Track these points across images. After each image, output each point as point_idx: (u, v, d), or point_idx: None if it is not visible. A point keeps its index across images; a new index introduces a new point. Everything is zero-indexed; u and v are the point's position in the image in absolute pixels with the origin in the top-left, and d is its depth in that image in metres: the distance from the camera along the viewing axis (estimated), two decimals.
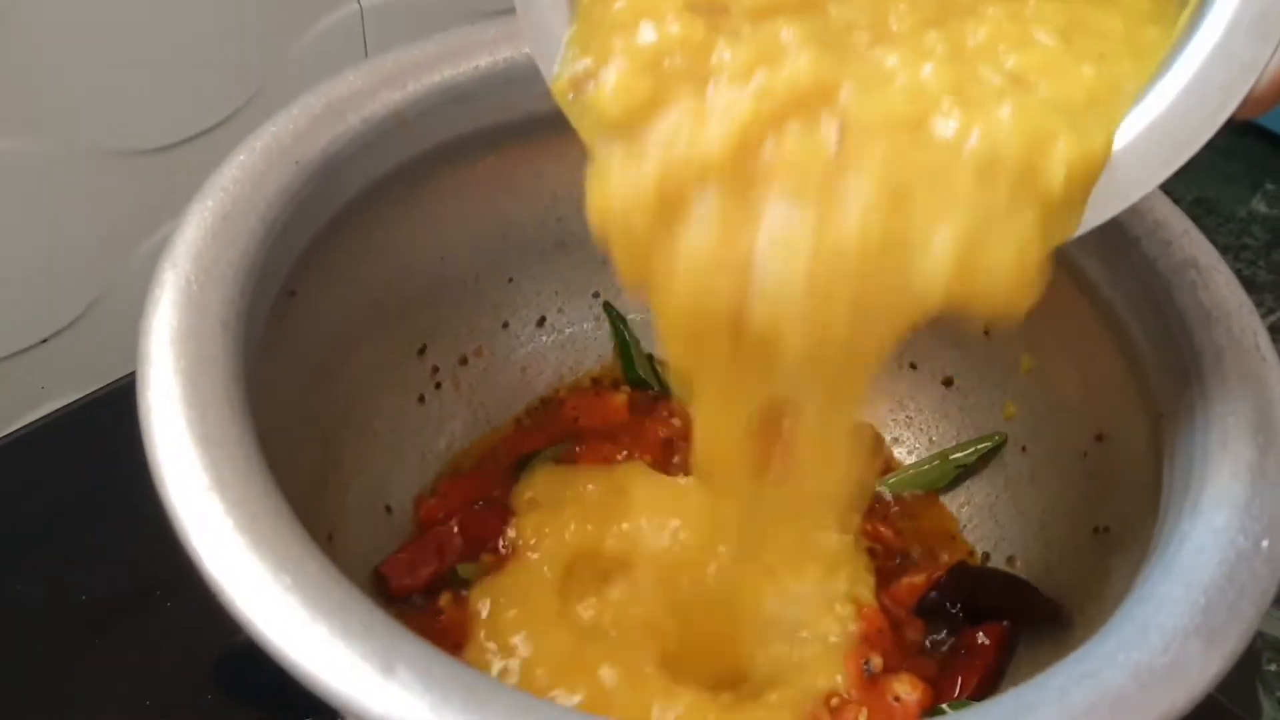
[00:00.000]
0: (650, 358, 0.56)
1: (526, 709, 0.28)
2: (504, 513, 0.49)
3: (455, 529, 0.47)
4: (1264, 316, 1.18)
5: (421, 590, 0.47)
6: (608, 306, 0.55)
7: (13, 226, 0.71)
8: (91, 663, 0.52)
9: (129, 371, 0.54)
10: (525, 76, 0.47)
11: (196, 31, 0.73)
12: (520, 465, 0.51)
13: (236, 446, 0.32)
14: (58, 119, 0.69)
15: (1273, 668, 0.95)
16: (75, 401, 0.63)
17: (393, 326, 0.50)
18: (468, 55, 0.46)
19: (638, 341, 0.56)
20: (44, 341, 0.76)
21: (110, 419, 0.59)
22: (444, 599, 0.46)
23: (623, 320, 0.55)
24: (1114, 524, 0.44)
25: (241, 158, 0.40)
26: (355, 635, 0.29)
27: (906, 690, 0.43)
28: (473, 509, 0.48)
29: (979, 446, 0.51)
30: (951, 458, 0.51)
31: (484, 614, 0.45)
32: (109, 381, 0.64)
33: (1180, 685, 0.30)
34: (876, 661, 0.44)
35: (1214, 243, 0.42)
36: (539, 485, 0.50)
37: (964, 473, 0.51)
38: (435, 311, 0.51)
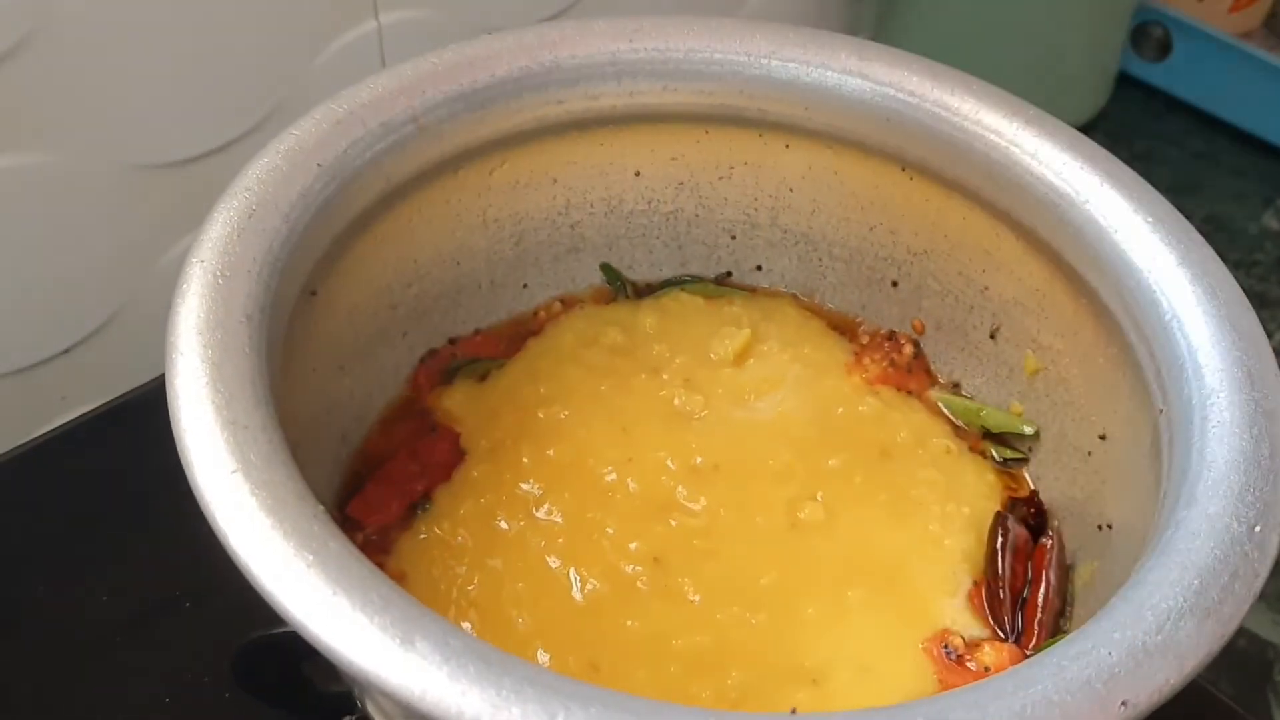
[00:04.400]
0: None
1: (541, 680, 0.29)
2: (452, 436, 0.49)
3: (409, 458, 0.48)
4: (1275, 331, 1.19)
5: (394, 525, 0.46)
6: (606, 268, 0.56)
7: (37, 238, 0.72)
8: (113, 664, 0.53)
9: (149, 379, 0.55)
10: (539, 84, 0.48)
11: (218, 48, 0.74)
12: (447, 375, 0.52)
13: (261, 431, 0.34)
14: (81, 134, 0.70)
15: None
16: (95, 409, 0.64)
17: (410, 329, 0.51)
18: (484, 64, 0.47)
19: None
20: (66, 351, 0.77)
21: (130, 427, 0.60)
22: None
23: (621, 278, 0.56)
24: (1116, 522, 0.45)
25: (265, 160, 0.42)
26: (375, 609, 0.30)
27: (992, 658, 0.43)
28: (421, 438, 0.49)
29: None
30: (981, 413, 0.52)
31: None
32: (129, 389, 0.65)
33: (1173, 663, 0.31)
34: (957, 642, 0.44)
35: (1226, 259, 0.43)
36: (456, 397, 0.51)
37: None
38: (452, 315, 0.52)
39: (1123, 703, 0.30)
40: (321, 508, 0.33)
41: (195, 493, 0.32)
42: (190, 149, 0.76)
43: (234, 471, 0.32)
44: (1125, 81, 1.51)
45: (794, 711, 0.35)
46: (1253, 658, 0.93)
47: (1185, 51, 1.47)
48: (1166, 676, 0.31)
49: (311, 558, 0.31)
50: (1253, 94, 1.43)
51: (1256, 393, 0.38)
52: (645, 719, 0.28)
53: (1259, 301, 1.13)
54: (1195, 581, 0.33)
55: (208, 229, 0.39)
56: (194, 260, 0.38)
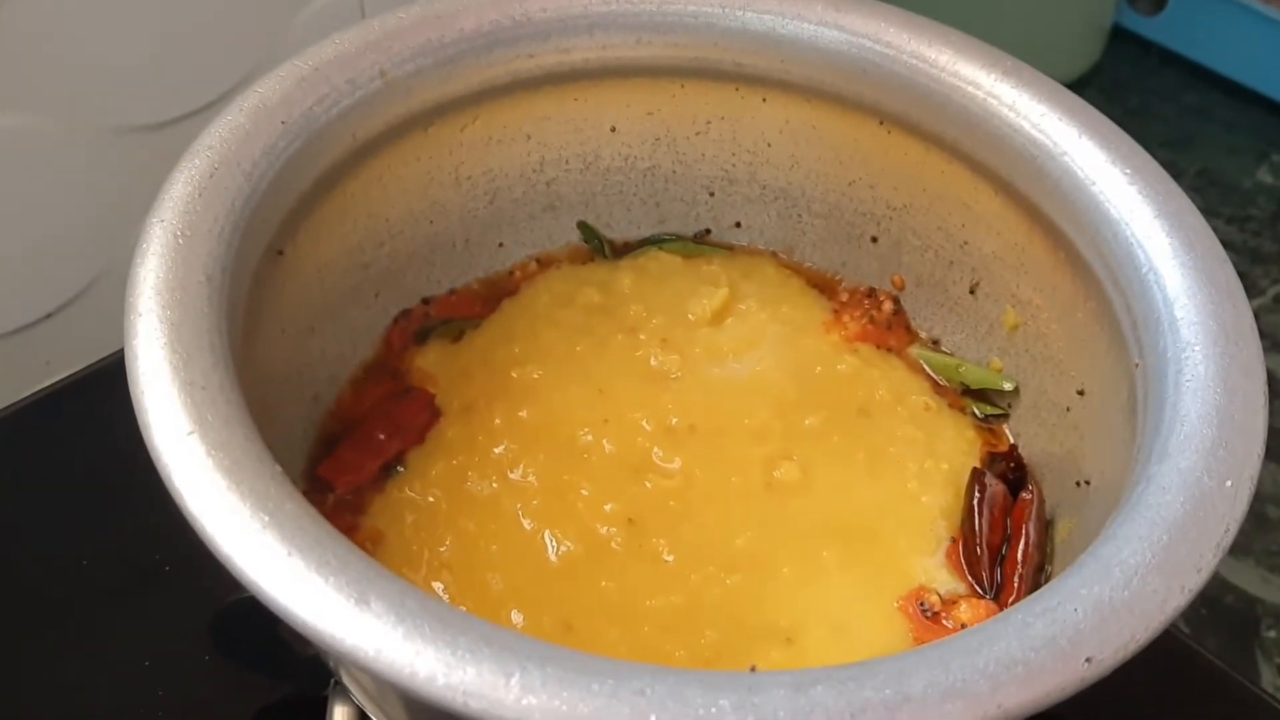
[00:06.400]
0: None
1: (497, 639, 0.28)
2: (426, 397, 0.48)
3: (383, 420, 0.47)
4: (1269, 287, 1.18)
5: (367, 487, 0.46)
6: (583, 226, 0.55)
7: (16, 203, 0.72)
8: (94, 628, 0.53)
9: None
10: (510, 39, 0.48)
11: (196, 8, 0.74)
12: (420, 335, 0.51)
13: (219, 392, 0.33)
14: (60, 96, 0.70)
15: (1272, 634, 0.95)
16: (79, 372, 0.64)
17: (383, 289, 0.50)
18: (452, 18, 0.46)
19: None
20: (48, 316, 0.77)
21: (114, 391, 0.60)
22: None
23: (598, 236, 0.56)
24: (1094, 478, 0.45)
25: (229, 117, 0.41)
26: (330, 569, 0.29)
27: (969, 614, 0.43)
28: (395, 400, 0.48)
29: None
30: (961, 369, 0.52)
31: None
32: (112, 353, 0.65)
33: (1139, 619, 0.31)
34: (933, 599, 0.44)
35: (1219, 214, 0.43)
36: (430, 358, 0.50)
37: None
38: (426, 275, 0.52)
39: (1087, 659, 0.30)
40: (279, 469, 0.32)
41: (152, 454, 0.32)
42: (169, 111, 0.76)
43: (190, 433, 0.32)
44: (1119, 36, 1.50)
45: (753, 669, 0.35)
46: (1241, 614, 0.93)
47: (1181, 5, 1.46)
48: (1132, 633, 0.30)
49: (267, 519, 0.30)
50: (1248, 48, 1.41)
51: (1232, 346, 0.37)
52: (600, 677, 0.28)
53: (1253, 257, 1.12)
54: (1164, 537, 0.32)
55: (168, 188, 0.39)
56: (154, 220, 0.38)
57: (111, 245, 0.77)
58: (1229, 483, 0.34)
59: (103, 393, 0.62)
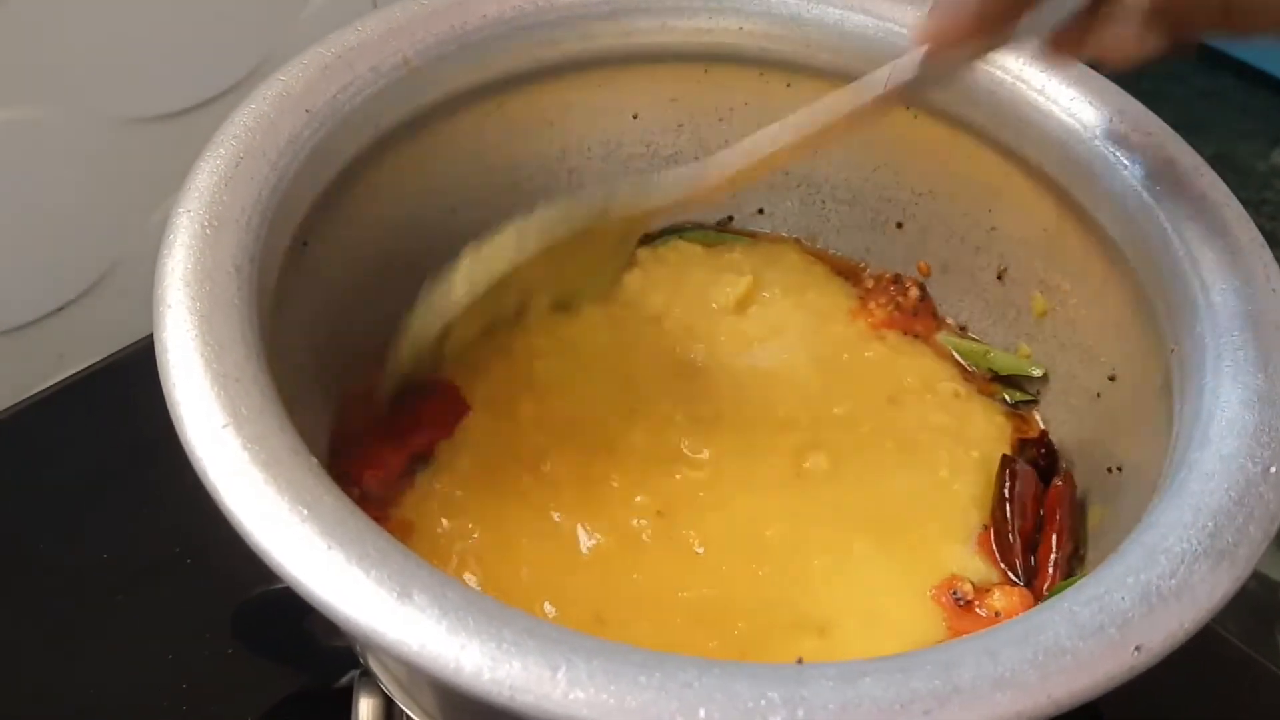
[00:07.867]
0: None
1: (542, 632, 0.28)
2: (453, 390, 0.48)
3: (409, 413, 0.47)
4: None
5: (394, 480, 0.46)
6: None
7: (28, 195, 0.71)
8: (114, 620, 0.52)
9: (145, 335, 0.54)
10: (532, 25, 0.47)
11: None
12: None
13: (252, 384, 0.33)
14: (71, 87, 0.69)
15: None
16: (92, 366, 0.64)
17: (407, 278, 0.50)
18: (476, 5, 0.46)
19: None
20: (60, 309, 0.77)
21: (127, 384, 0.60)
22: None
23: None
24: (1126, 464, 0.44)
25: (253, 106, 0.41)
26: (371, 562, 0.29)
27: (1003, 602, 0.43)
28: (422, 393, 0.47)
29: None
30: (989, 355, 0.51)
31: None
32: (125, 345, 0.64)
33: (1188, 607, 0.30)
34: (966, 588, 0.43)
35: None
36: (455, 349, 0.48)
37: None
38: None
39: (1137, 648, 0.29)
40: (315, 461, 0.32)
41: (186, 448, 0.32)
42: (181, 101, 0.75)
43: (225, 426, 0.32)
44: None
45: (800, 661, 0.35)
46: (1262, 598, 0.93)
47: None
48: (1181, 621, 0.30)
49: (306, 512, 0.30)
50: None
51: (1271, 331, 0.37)
52: (647, 670, 0.27)
53: (1268, 241, 1.10)
54: (1209, 524, 0.32)
55: (194, 178, 0.38)
56: (181, 211, 0.37)
57: (122, 238, 0.77)
58: (1274, 468, 0.33)
59: (116, 386, 0.62)
